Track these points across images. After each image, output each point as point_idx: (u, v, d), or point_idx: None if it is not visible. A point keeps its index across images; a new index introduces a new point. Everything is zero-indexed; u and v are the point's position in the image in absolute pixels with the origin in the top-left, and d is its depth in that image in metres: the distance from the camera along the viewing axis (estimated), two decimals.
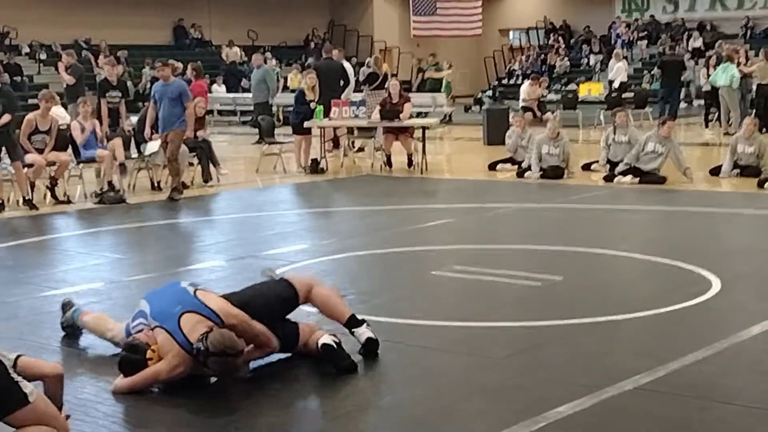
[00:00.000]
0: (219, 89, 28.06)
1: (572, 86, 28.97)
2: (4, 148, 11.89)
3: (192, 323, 5.10)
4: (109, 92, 13.67)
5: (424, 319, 6.37)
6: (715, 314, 6.56)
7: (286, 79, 27.15)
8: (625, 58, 27.95)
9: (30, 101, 20.14)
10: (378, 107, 15.25)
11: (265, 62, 22.94)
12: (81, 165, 12.87)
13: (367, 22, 36.53)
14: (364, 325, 5.65)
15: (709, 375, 5.26)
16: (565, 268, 7.99)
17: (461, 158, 17.99)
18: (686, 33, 32.86)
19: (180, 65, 20.49)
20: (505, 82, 34.44)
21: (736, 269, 7.87)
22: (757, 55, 22.46)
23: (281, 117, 23.58)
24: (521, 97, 22.25)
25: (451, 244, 9.42)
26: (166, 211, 11.78)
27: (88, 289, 7.54)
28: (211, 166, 14.02)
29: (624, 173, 13.14)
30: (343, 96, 16.47)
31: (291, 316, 5.66)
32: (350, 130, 16.52)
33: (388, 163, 15.28)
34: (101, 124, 13.18)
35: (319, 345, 5.40)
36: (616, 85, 24.61)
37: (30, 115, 12.44)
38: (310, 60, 28.99)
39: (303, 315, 5.90)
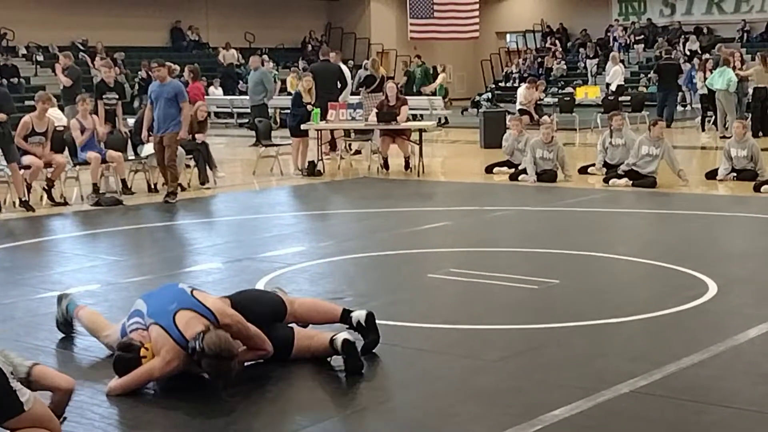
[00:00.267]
0: (216, 91, 28.06)
1: (569, 89, 28.99)
2: (0, 150, 11.88)
3: (187, 319, 5.11)
4: (106, 94, 13.65)
5: (421, 321, 6.37)
6: (711, 317, 6.56)
7: (284, 81, 27.14)
8: (622, 61, 27.98)
9: (27, 103, 20.11)
10: (375, 110, 15.26)
11: (263, 64, 22.94)
12: (77, 167, 12.86)
13: (365, 24, 36.55)
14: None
15: (706, 378, 5.26)
16: (562, 271, 8.00)
17: (458, 161, 18.00)
18: (683, 36, 32.91)
19: (177, 67, 20.48)
20: (502, 85, 34.46)
21: (732, 273, 7.88)
22: (753, 59, 22.51)
23: (278, 119, 23.58)
24: (518, 100, 22.26)
25: (448, 247, 9.42)
26: (162, 213, 11.77)
27: (85, 291, 7.54)
28: (207, 168, 14.02)
29: (619, 176, 13.17)
30: (340, 98, 16.48)
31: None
32: (347, 133, 16.52)
33: (385, 165, 15.29)
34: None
35: (339, 341, 5.40)
36: (613, 88, 24.63)
37: (26, 117, 12.43)
38: (303, 63, 29.01)
39: None
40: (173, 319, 5.11)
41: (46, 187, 12.38)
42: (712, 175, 13.56)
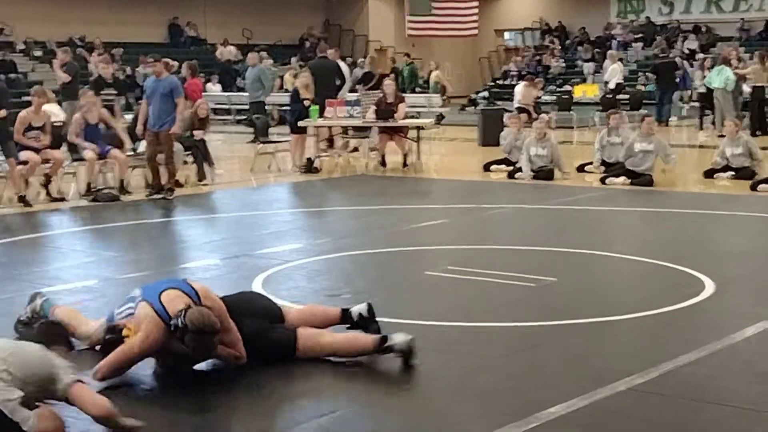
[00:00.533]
0: (214, 88, 28.02)
1: (567, 87, 28.98)
2: None
3: (171, 297, 5.18)
4: (104, 90, 13.64)
5: (418, 319, 6.36)
6: (708, 316, 6.56)
7: (282, 78, 27.10)
8: (621, 59, 27.97)
9: (24, 98, 20.08)
10: (373, 107, 15.25)
11: (261, 61, 22.92)
12: (75, 163, 12.84)
13: (363, 21, 36.53)
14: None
15: (703, 377, 5.26)
16: (559, 269, 8.00)
17: (456, 159, 18.00)
18: (681, 35, 32.89)
19: (176, 63, 20.45)
20: (500, 82, 34.44)
21: (729, 271, 7.88)
22: (752, 57, 22.52)
23: (276, 116, 23.56)
24: (516, 98, 22.25)
25: (445, 245, 9.42)
26: (160, 210, 11.76)
27: (82, 286, 7.54)
28: (205, 165, 14.01)
29: (617, 175, 13.18)
30: (339, 95, 16.47)
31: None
32: (345, 130, 16.52)
33: (383, 163, 15.29)
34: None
35: (356, 315, 5.73)
36: (611, 86, 24.63)
37: (23, 112, 12.42)
38: (295, 60, 28.95)
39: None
40: (159, 296, 5.20)
41: (43, 183, 12.37)
42: (709, 173, 13.58)
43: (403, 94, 17.53)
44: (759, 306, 6.72)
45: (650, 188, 12.73)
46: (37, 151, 12.15)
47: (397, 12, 34.27)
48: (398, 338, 5.44)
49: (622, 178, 13.07)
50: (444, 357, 5.67)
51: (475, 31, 30.94)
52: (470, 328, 6.24)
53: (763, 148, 14.28)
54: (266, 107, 20.93)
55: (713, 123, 20.45)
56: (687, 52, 30.58)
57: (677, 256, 8.24)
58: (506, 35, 39.43)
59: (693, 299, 6.83)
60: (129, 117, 14.39)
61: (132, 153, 13.52)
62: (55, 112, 14.13)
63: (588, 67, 32.53)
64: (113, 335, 5.32)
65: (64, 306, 6.16)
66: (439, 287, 7.58)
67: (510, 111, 19.98)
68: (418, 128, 15.43)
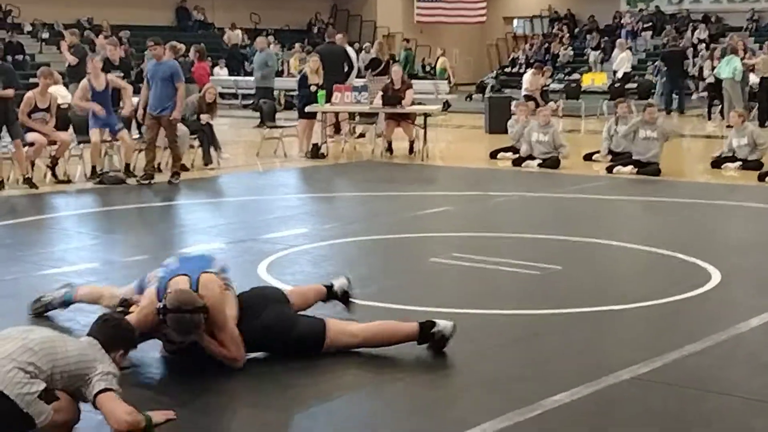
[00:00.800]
0: (221, 72, 27.98)
1: (576, 76, 28.89)
2: (4, 127, 11.86)
3: (175, 283, 5.14)
4: (111, 72, 13.59)
5: (423, 305, 6.35)
6: (713, 306, 6.55)
7: (287, 63, 27.03)
8: (630, 48, 27.87)
9: (31, 80, 20.06)
10: (380, 93, 15.21)
11: (269, 46, 22.89)
12: (81, 145, 12.83)
13: (371, 7, 36.43)
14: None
15: (707, 367, 5.25)
16: (565, 257, 7.99)
17: (463, 146, 17.96)
18: (691, 24, 32.76)
19: (183, 47, 20.41)
20: (508, 70, 34.36)
21: (735, 262, 7.86)
22: (761, 48, 22.42)
23: (283, 101, 23.52)
24: (523, 86, 22.19)
25: (451, 232, 9.40)
26: (165, 193, 11.76)
27: (86, 268, 7.55)
28: (211, 149, 13.99)
29: (624, 164, 13.14)
30: (347, 81, 16.42)
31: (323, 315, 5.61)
32: (352, 116, 16.49)
33: (389, 149, 15.26)
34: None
35: (340, 290, 5.99)
36: (619, 75, 24.55)
37: (29, 93, 12.39)
38: (299, 45, 28.85)
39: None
40: (169, 280, 5.17)
41: (49, 165, 12.36)
42: (716, 164, 13.54)
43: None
44: (764, 297, 6.70)
45: (657, 178, 12.70)
46: (44, 133, 12.13)
47: None
48: (443, 324, 5.40)
49: (629, 168, 13.04)
50: (449, 344, 5.66)
51: (483, 18, 30.89)
52: (475, 316, 6.23)
53: None
54: (274, 92, 20.91)
55: (722, 113, 20.38)
56: (696, 41, 30.48)
57: (683, 246, 8.22)
58: (515, 23, 39.32)
59: (698, 289, 6.82)
60: (135, 100, 14.34)
61: (138, 136, 13.51)
62: (62, 93, 14.10)
63: (594, 56, 32.43)
64: (123, 308, 5.41)
65: (84, 287, 6.17)
66: (444, 274, 7.56)
67: (517, 99, 19.91)
68: (425, 115, 15.39)
